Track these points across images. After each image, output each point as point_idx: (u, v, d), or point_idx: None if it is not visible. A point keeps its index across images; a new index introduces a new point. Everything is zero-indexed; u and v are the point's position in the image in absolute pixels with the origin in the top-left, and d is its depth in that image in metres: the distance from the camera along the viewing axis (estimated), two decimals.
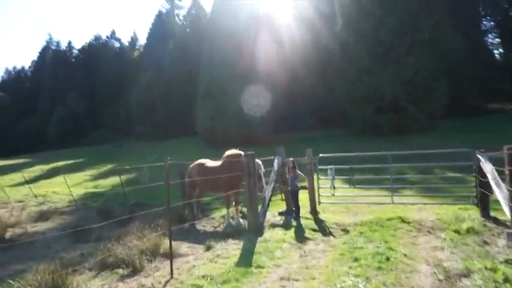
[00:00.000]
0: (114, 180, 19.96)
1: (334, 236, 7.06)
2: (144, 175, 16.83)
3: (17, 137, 66.55)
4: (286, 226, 7.84)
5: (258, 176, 8.21)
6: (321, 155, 9.60)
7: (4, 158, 48.92)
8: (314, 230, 7.57)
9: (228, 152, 9.17)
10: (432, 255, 5.57)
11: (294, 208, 8.67)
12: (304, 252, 5.93)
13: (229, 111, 31.17)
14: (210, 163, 9.55)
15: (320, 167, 9.89)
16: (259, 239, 6.74)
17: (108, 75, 63.44)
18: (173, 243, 7.23)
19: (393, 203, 9.06)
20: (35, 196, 15.87)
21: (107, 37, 76.25)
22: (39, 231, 9.25)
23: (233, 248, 6.31)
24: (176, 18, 62.93)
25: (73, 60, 75.82)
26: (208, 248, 6.49)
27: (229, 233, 7.30)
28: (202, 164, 9.59)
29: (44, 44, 79.08)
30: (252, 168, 7.47)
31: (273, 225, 7.87)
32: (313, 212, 9.23)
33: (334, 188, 9.61)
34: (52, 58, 73.72)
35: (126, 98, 57.37)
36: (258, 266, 5.32)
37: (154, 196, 12.83)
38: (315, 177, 9.52)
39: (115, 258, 5.82)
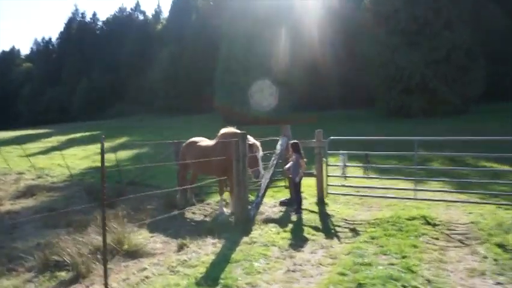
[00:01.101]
0: (122, 154, 19.25)
1: (338, 239, 5.73)
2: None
3: (45, 107, 67.54)
4: (282, 222, 6.53)
5: (255, 160, 6.94)
6: (331, 137, 8.15)
7: (31, 128, 49.60)
8: (316, 229, 6.25)
9: (223, 130, 7.84)
10: (469, 285, 4.05)
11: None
12: (294, 264, 4.60)
13: (248, 88, 29.69)
14: (203, 142, 8.32)
15: (331, 152, 8.48)
16: (244, 239, 5.48)
17: (132, 48, 62.81)
18: (147, 236, 6.16)
19: (416, 197, 7.61)
20: (34, 168, 15.22)
21: (131, 9, 75.56)
22: (12, 211, 8.36)
23: (207, 252, 5.06)
24: None
25: (98, 32, 75.56)
26: (180, 248, 5.29)
27: (212, 227, 6.08)
28: (194, 143, 8.37)
29: (70, 15, 78.51)
30: (242, 151, 6.16)
31: (267, 220, 6.55)
32: (320, 203, 7.92)
33: (346, 177, 8.20)
34: (77, 30, 73.71)
35: (149, 72, 56.75)
36: (225, 286, 4.06)
37: (153, 175, 11.91)
38: (323, 163, 8.15)
39: (61, 257, 4.72)
